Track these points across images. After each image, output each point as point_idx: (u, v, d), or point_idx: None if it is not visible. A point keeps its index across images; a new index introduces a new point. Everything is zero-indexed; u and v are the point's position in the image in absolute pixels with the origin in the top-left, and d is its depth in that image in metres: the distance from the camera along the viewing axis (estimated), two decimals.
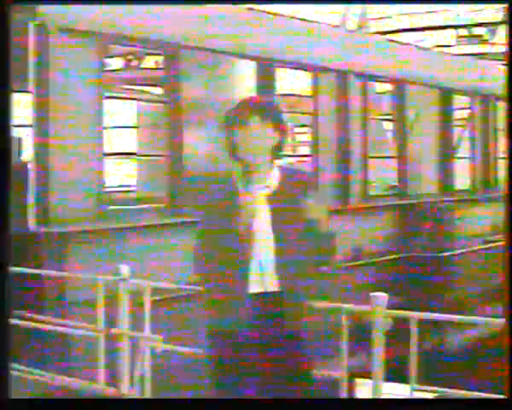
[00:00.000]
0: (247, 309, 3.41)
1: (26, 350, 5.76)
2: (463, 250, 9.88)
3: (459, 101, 11.21)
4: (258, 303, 3.42)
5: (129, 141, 11.58)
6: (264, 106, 3.56)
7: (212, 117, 7.18)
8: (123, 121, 11.72)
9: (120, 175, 12.79)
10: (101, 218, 6.36)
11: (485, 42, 23.55)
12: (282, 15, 8.74)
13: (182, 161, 6.98)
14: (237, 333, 3.43)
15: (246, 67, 7.87)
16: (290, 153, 12.11)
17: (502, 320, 3.74)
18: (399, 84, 9.86)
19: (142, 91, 10.69)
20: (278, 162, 3.62)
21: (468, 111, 11.61)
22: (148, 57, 9.34)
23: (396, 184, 9.99)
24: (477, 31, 24.07)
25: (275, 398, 3.45)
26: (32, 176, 6.05)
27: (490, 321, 5.03)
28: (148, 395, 5.01)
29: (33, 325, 5.62)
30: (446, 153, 10.79)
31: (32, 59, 5.99)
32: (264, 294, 3.44)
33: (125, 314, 5.17)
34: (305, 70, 8.65)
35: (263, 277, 3.43)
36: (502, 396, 3.50)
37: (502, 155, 11.25)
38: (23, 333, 5.39)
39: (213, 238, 3.46)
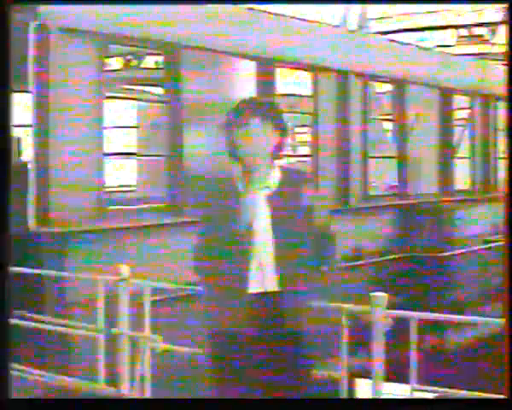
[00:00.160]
0: (247, 309, 3.41)
1: (26, 350, 5.75)
2: (463, 250, 9.88)
3: (459, 101, 11.21)
4: (258, 303, 3.42)
5: (129, 141, 11.58)
6: (265, 106, 3.56)
7: (212, 117, 7.18)
8: (123, 121, 11.73)
9: (120, 175, 12.80)
10: (101, 218, 6.36)
11: (485, 42, 23.54)
12: (282, 15, 8.73)
13: (182, 161, 6.97)
14: (237, 333, 3.43)
15: (246, 67, 7.86)
16: (290, 153, 12.10)
17: (502, 320, 3.74)
18: (399, 84, 9.86)
19: (142, 91, 10.69)
20: (278, 162, 3.62)
21: (468, 111, 11.61)
22: (148, 57, 9.34)
23: (396, 184, 9.99)
24: (477, 31, 24.06)
25: (275, 398, 3.45)
26: (31, 176, 6.05)
27: (490, 321, 5.03)
28: (148, 395, 5.01)
29: (33, 325, 5.62)
30: (446, 153, 10.79)
31: (31, 59, 5.99)
32: (264, 294, 3.44)
33: (125, 314, 5.17)
34: (305, 70, 8.65)
35: (263, 277, 3.43)
36: (502, 396, 3.50)
37: (502, 155, 11.25)
38: (23, 333, 5.39)
39: (213, 238, 3.46)
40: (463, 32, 24.21)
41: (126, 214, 6.92)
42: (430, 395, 4.47)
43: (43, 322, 5.68)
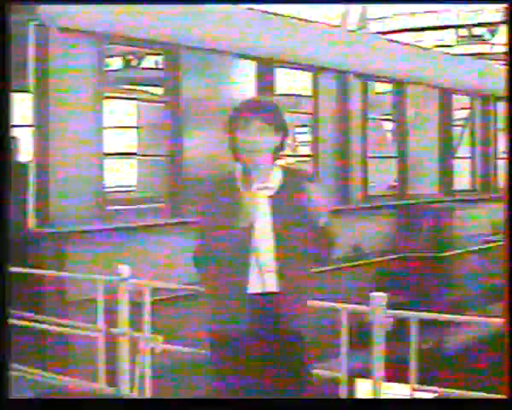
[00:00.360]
0: (247, 309, 3.41)
1: (26, 350, 5.75)
2: (463, 250, 9.88)
3: (459, 101, 11.21)
4: (257, 303, 3.42)
5: (129, 141, 11.56)
6: (266, 106, 3.55)
7: (212, 117, 7.18)
8: (123, 121, 11.71)
9: (120, 175, 12.77)
10: (101, 218, 6.36)
11: (485, 42, 23.56)
12: (282, 15, 8.73)
13: (182, 161, 6.97)
14: (237, 333, 3.43)
15: (246, 67, 7.86)
16: (290, 153, 12.10)
17: (502, 320, 3.74)
18: (399, 84, 9.86)
19: (142, 91, 10.68)
20: (279, 162, 3.62)
21: (468, 111, 11.60)
22: (148, 57, 9.34)
23: (396, 184, 9.99)
24: (477, 31, 24.07)
25: (275, 398, 3.45)
26: (31, 176, 6.05)
27: (490, 321, 5.03)
28: (148, 395, 5.01)
29: (33, 325, 5.62)
30: (446, 153, 10.79)
31: (31, 59, 5.99)
32: (264, 294, 3.43)
33: (125, 314, 5.17)
34: (305, 70, 8.65)
35: (263, 277, 3.43)
36: (502, 396, 3.50)
37: (502, 155, 11.25)
38: (23, 333, 5.39)
39: (213, 238, 3.45)
40: (463, 31, 24.22)
41: (126, 214, 6.92)
42: (430, 395, 4.47)
43: (43, 322, 5.68)
